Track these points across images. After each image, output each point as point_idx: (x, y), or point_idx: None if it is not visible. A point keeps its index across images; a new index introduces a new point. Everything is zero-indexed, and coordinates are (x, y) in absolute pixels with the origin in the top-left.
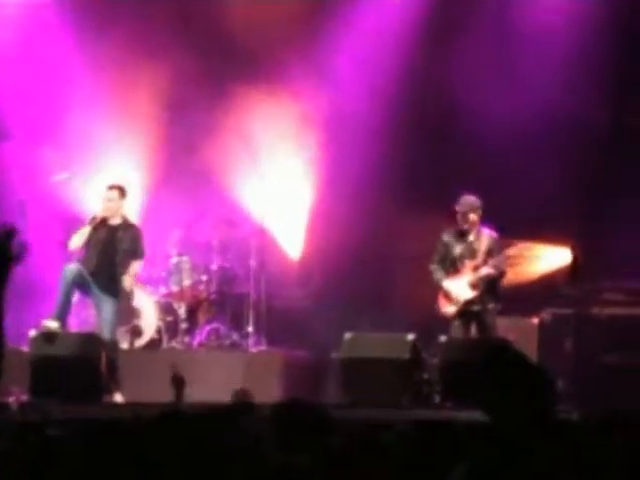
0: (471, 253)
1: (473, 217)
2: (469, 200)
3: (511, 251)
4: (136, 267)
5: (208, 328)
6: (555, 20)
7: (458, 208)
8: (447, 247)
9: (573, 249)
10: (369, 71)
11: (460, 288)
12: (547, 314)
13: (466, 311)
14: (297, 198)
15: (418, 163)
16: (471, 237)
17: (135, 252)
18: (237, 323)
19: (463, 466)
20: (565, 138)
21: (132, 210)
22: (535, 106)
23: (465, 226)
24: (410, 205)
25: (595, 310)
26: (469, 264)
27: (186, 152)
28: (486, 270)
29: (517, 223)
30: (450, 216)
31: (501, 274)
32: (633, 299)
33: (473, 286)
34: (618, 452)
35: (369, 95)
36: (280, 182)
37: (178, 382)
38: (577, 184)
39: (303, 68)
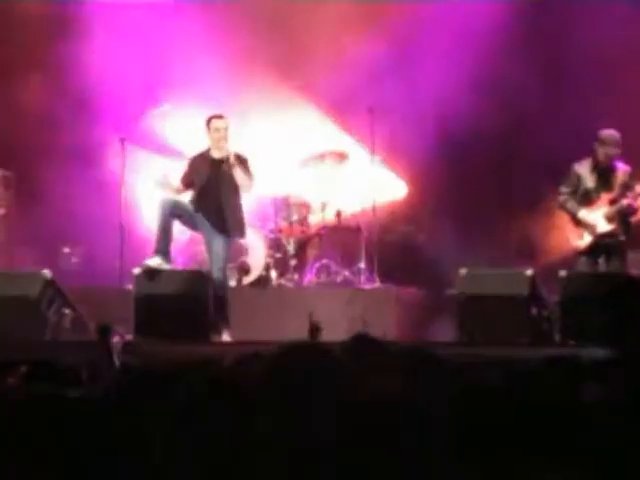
0: (607, 186)
1: (616, 152)
2: (614, 136)
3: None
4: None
5: (318, 265)
6: None
7: (601, 142)
8: (580, 179)
9: None
10: None
11: (597, 219)
12: None
13: (599, 244)
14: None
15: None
16: (606, 170)
17: (239, 186)
18: (348, 259)
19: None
20: None
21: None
22: None
23: (606, 160)
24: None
25: None
26: (605, 196)
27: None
28: (627, 201)
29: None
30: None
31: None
32: None
33: (609, 219)
34: None
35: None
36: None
37: (314, 331)
38: None
39: None
